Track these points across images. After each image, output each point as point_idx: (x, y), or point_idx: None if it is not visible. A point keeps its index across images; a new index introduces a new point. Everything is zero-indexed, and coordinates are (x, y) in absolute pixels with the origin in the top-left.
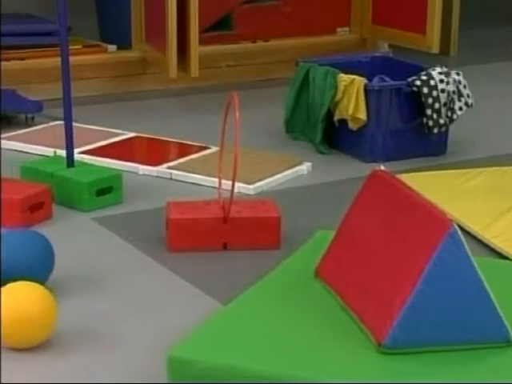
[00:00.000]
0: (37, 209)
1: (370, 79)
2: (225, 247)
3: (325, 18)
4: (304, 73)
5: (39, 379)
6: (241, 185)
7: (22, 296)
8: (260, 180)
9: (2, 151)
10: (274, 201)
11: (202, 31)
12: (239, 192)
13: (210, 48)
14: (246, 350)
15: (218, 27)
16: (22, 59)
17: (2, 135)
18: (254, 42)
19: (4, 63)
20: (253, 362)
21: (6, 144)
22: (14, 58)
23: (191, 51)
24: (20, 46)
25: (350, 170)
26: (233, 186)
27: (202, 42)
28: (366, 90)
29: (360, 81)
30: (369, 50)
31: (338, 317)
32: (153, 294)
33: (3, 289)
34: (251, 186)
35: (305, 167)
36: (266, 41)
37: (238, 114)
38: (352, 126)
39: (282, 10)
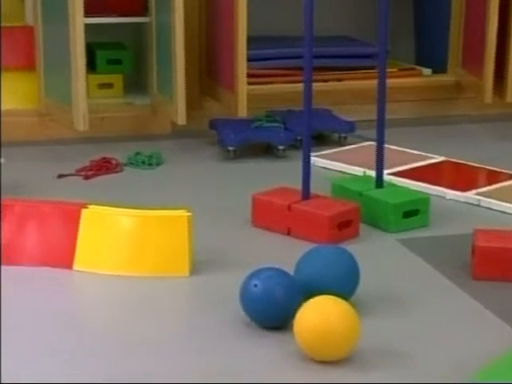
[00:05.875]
0: (345, 226)
1: None
2: None
3: None
4: None
5: None
6: None
7: (330, 310)
8: None
9: (316, 168)
10: None
11: None
12: None
13: None
14: None
15: None
16: (340, 80)
17: (316, 153)
18: None
19: (322, 84)
20: None
21: (318, 161)
22: (331, 79)
23: (508, 76)
24: (338, 68)
25: None
26: None
27: None
28: None
29: None
30: None
31: None
32: (453, 319)
33: (312, 301)
34: None
35: None
36: None
37: None
38: None
39: None
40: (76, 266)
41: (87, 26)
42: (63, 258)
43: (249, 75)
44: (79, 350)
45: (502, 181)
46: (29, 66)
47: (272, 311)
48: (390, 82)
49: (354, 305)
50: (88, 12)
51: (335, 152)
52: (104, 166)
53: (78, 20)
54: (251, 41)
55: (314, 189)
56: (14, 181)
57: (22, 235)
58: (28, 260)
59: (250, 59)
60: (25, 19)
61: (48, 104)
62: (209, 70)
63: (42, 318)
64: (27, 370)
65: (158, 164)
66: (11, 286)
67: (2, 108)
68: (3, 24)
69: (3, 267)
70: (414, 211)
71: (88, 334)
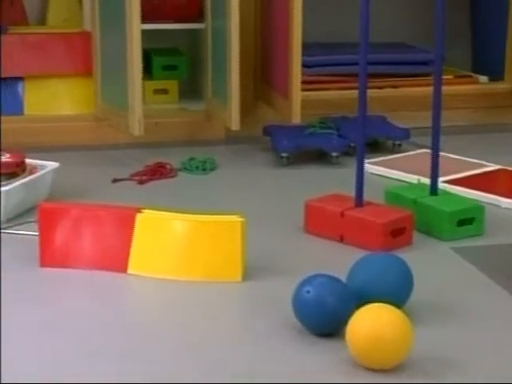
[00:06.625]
0: (398, 234)
1: None
2: None
3: None
4: None
5: None
6: None
7: (383, 317)
8: None
9: (369, 175)
10: None
11: None
12: None
13: None
14: None
15: None
16: (395, 87)
17: (370, 160)
18: None
19: (377, 91)
20: None
21: (372, 168)
22: (387, 86)
23: None
24: (394, 75)
25: None
26: None
27: None
28: None
29: None
30: None
31: None
32: (507, 328)
33: (364, 308)
34: None
35: None
36: None
37: None
38: None
39: None
40: (130, 270)
41: (144, 32)
42: (118, 261)
43: (303, 81)
44: (130, 351)
45: None
46: (86, 71)
47: (324, 318)
48: (445, 89)
49: (407, 313)
50: (145, 18)
51: (389, 159)
52: (158, 171)
53: (135, 26)
54: (306, 47)
55: (367, 196)
56: (70, 185)
57: (77, 239)
58: (83, 263)
59: (304, 65)
60: (83, 25)
61: (104, 109)
62: (263, 76)
63: (94, 319)
64: (76, 369)
65: (211, 169)
66: (65, 289)
67: (60, 113)
68: (62, 30)
69: (59, 270)
70: (468, 219)
71: (139, 336)
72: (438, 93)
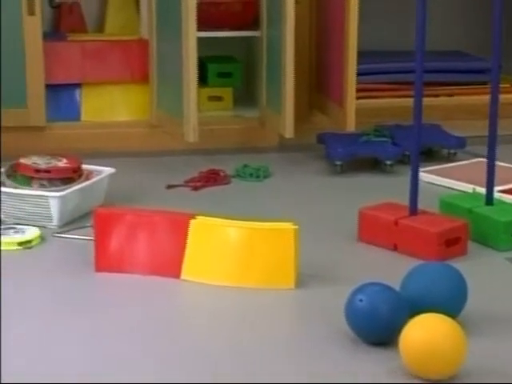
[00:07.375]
0: (453, 243)
1: None
2: None
3: None
4: None
5: None
6: None
7: (436, 327)
8: None
9: (423, 184)
10: None
11: None
12: None
13: None
14: None
15: None
16: (450, 96)
17: (424, 168)
18: None
19: (432, 99)
20: None
21: (426, 177)
22: (442, 95)
23: None
24: (449, 83)
25: None
26: None
27: None
28: None
29: None
30: None
31: None
32: None
33: (418, 318)
34: None
35: None
36: None
37: None
38: None
39: None
40: (183, 276)
41: (199, 40)
42: (171, 267)
43: (358, 90)
44: (183, 354)
45: None
46: (142, 78)
47: (377, 326)
48: (502, 97)
49: (461, 323)
50: (200, 26)
51: (444, 168)
52: (212, 178)
53: (191, 34)
54: (361, 55)
55: (421, 205)
56: (125, 190)
57: (132, 244)
58: (137, 268)
59: (359, 73)
60: (140, 33)
61: (159, 116)
62: (318, 84)
63: (147, 324)
64: (122, 371)
65: (265, 177)
66: (120, 294)
67: (116, 119)
68: (119, 37)
69: (113, 275)
70: None
71: (191, 341)
72: (495, 101)
